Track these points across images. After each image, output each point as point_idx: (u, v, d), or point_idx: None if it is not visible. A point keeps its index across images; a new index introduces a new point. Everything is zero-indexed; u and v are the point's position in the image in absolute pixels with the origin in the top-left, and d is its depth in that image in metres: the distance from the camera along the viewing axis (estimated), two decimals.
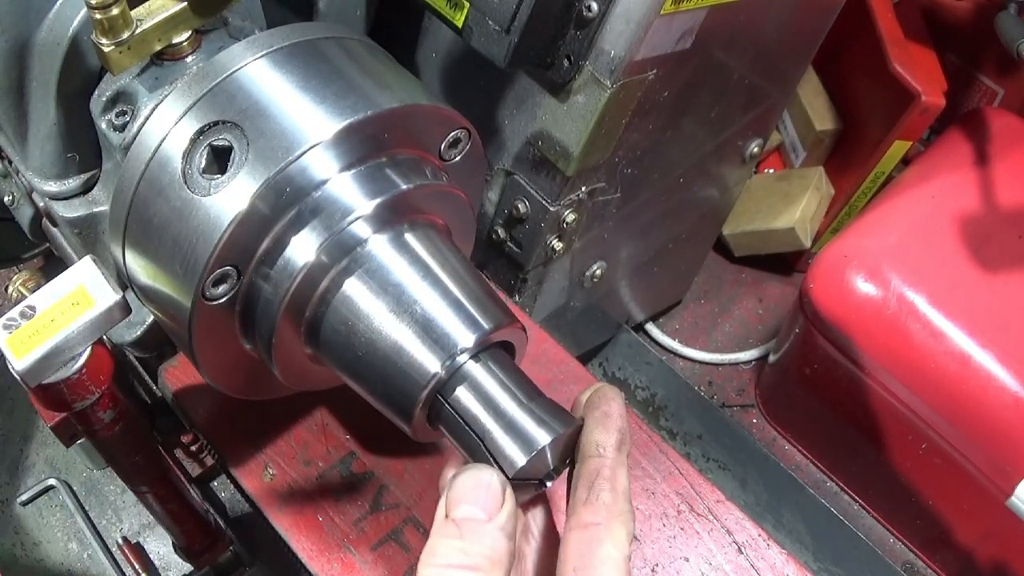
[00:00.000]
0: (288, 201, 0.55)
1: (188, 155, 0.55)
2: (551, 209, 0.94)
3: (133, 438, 0.81)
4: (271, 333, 0.57)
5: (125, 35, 0.61)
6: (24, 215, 0.80)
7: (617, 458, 0.51)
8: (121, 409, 0.76)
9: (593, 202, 0.99)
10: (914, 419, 1.22)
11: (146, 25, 0.62)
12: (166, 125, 0.56)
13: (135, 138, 0.59)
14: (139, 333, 0.76)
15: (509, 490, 0.50)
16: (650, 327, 1.60)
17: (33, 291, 0.69)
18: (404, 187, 0.57)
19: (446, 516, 0.49)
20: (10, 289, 0.81)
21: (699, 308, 1.67)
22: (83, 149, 0.70)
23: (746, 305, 1.69)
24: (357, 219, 0.56)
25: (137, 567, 1.21)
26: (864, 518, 1.41)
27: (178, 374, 0.81)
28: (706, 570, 0.72)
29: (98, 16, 0.59)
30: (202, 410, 0.79)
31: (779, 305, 1.67)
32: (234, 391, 0.66)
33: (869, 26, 1.45)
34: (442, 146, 0.62)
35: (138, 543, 1.15)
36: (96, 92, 0.67)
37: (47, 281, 0.67)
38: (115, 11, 0.60)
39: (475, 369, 0.53)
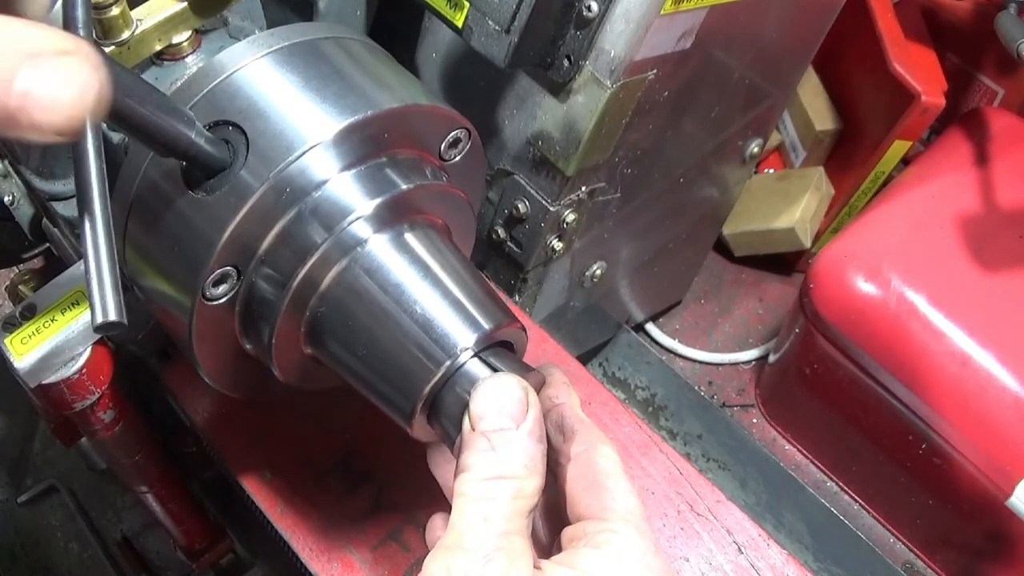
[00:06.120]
0: (288, 201, 0.55)
1: None
2: (551, 209, 0.94)
3: (133, 438, 0.81)
4: (271, 333, 0.57)
5: (125, 35, 0.61)
6: (24, 215, 0.80)
7: (571, 399, 0.55)
8: (121, 409, 0.76)
9: (593, 202, 0.99)
10: (914, 419, 1.22)
11: (146, 25, 0.62)
12: None
13: None
14: (140, 333, 0.76)
15: (532, 395, 0.50)
16: (650, 327, 1.60)
17: (33, 291, 0.69)
18: (404, 187, 0.57)
19: (473, 430, 0.49)
20: (10, 289, 0.81)
21: (699, 308, 1.67)
22: None
23: (746, 305, 1.69)
24: (357, 219, 0.56)
25: (137, 567, 1.21)
26: (864, 518, 1.41)
27: (178, 374, 0.80)
28: (706, 570, 0.72)
29: (98, 16, 0.59)
30: (202, 410, 0.79)
31: (779, 305, 1.67)
32: (234, 391, 0.66)
33: (869, 26, 1.45)
34: (442, 146, 0.62)
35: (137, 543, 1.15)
36: None
37: (47, 281, 0.68)
38: (115, 11, 0.60)
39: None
